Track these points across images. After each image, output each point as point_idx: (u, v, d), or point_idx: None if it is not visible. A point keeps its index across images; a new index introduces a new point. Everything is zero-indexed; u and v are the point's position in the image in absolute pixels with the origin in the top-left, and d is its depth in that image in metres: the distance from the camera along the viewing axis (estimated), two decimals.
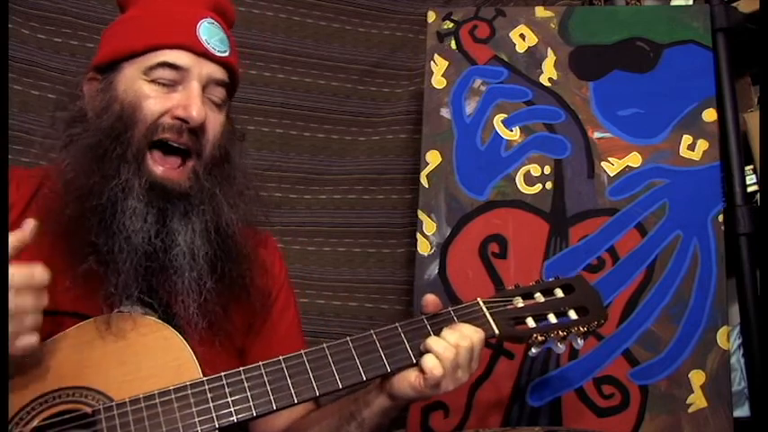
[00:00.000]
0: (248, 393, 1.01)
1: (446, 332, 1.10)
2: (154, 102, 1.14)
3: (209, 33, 1.19)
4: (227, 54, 1.20)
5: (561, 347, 1.19)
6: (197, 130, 1.15)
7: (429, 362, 1.06)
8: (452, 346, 1.07)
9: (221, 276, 1.15)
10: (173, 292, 1.12)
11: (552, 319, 1.18)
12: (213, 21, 1.20)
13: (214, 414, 0.99)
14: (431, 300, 1.14)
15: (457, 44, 1.84)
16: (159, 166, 1.13)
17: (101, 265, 1.08)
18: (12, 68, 1.77)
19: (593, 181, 1.69)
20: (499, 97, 1.78)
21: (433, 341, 1.08)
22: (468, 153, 1.76)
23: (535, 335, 1.16)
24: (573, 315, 1.19)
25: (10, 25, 1.78)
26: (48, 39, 1.86)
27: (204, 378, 1.02)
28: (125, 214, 1.09)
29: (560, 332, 1.17)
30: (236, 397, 1.01)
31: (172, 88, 1.15)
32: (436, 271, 1.70)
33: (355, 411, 1.13)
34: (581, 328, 1.18)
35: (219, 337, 1.17)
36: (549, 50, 1.79)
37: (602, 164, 1.69)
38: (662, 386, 1.54)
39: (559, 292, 1.22)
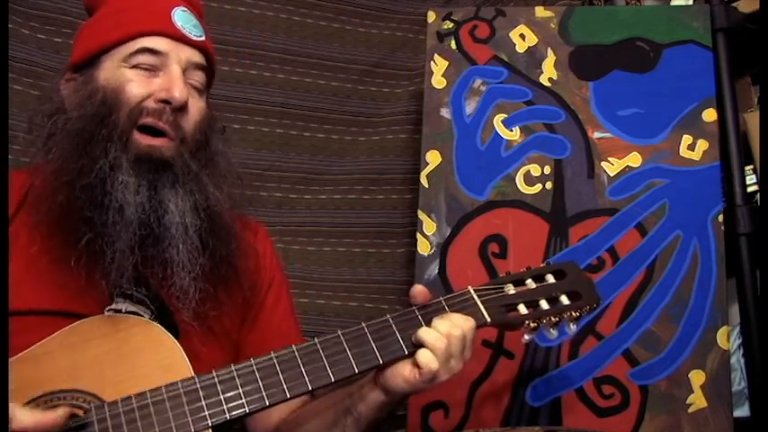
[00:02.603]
0: (240, 390, 1.01)
1: (436, 322, 1.09)
2: (136, 85, 1.15)
3: (184, 19, 1.21)
4: (202, 38, 1.23)
5: (554, 333, 1.18)
6: (179, 112, 1.16)
7: (424, 356, 1.05)
8: (444, 336, 1.06)
9: (212, 254, 1.16)
10: (168, 266, 1.12)
11: (544, 305, 1.17)
12: (185, 8, 1.23)
13: (207, 412, 0.98)
14: (419, 290, 1.14)
15: (457, 44, 1.84)
16: (144, 138, 1.14)
17: (97, 239, 1.08)
18: (12, 68, 1.78)
19: (593, 181, 1.69)
20: (499, 97, 1.78)
21: (424, 332, 1.07)
22: (468, 153, 1.76)
23: (527, 321, 1.15)
24: (565, 300, 1.18)
25: (10, 25, 1.78)
26: (48, 39, 1.86)
27: (196, 376, 1.02)
28: (115, 187, 1.10)
29: (553, 318, 1.16)
30: (229, 394, 1.00)
31: (153, 73, 1.17)
32: (436, 271, 1.70)
33: (351, 406, 1.13)
34: (573, 314, 1.18)
35: (212, 317, 1.17)
36: (549, 50, 1.79)
37: (602, 164, 1.69)
38: (662, 386, 1.54)
39: (551, 278, 1.21)
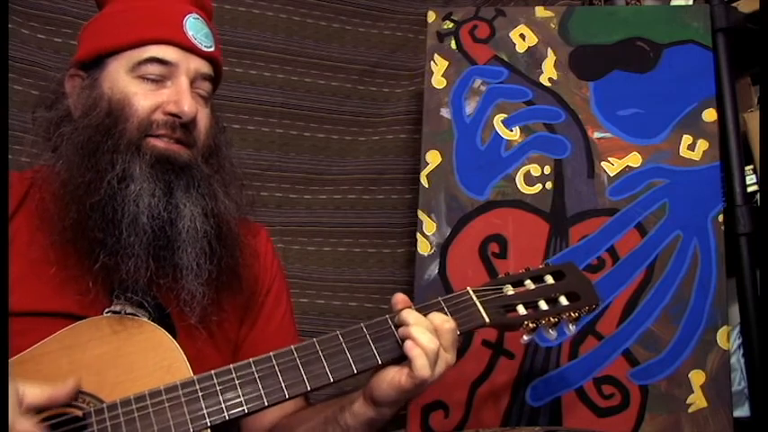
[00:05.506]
0: (239, 391, 1.01)
1: (426, 321, 1.06)
2: (143, 98, 1.14)
3: (196, 28, 1.19)
4: (212, 49, 1.21)
5: (553, 334, 1.18)
6: (189, 125, 1.15)
7: (418, 359, 1.02)
8: (435, 337, 1.04)
9: (218, 261, 1.16)
10: (177, 270, 1.12)
11: (543, 305, 1.17)
12: (198, 16, 1.21)
13: (206, 412, 0.98)
14: (401, 299, 1.13)
15: (457, 44, 1.83)
16: (160, 142, 1.14)
17: (111, 257, 1.08)
18: (12, 68, 1.78)
19: (593, 181, 1.68)
20: (499, 97, 1.78)
21: (418, 332, 1.04)
22: (468, 153, 1.76)
23: (526, 322, 1.15)
24: (564, 301, 1.18)
25: (10, 25, 1.78)
26: (48, 39, 1.86)
27: (195, 377, 1.01)
28: (126, 200, 1.09)
29: (551, 318, 1.16)
30: (228, 395, 1.00)
31: (160, 84, 1.16)
32: (436, 271, 1.70)
33: (339, 417, 1.12)
34: (572, 314, 1.17)
35: (214, 322, 1.17)
36: (549, 50, 1.79)
37: (602, 164, 1.69)
38: (662, 386, 1.54)
39: (550, 279, 1.21)
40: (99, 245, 1.09)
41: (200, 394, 1.00)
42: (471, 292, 1.16)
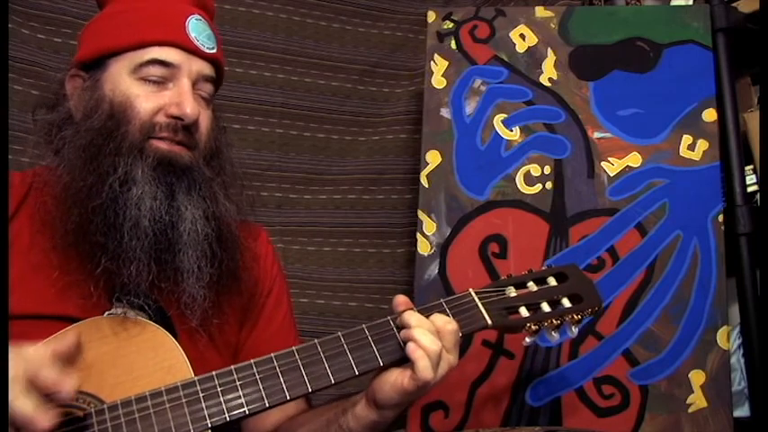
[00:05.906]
0: (240, 392, 1.01)
1: (426, 324, 1.06)
2: (145, 100, 1.14)
3: (198, 30, 1.19)
4: (214, 50, 1.21)
5: (555, 336, 1.18)
6: (191, 127, 1.15)
7: (421, 361, 1.02)
8: (437, 340, 1.04)
9: (219, 264, 1.16)
10: (179, 272, 1.11)
11: (546, 307, 1.17)
12: (200, 17, 1.21)
13: (206, 413, 0.98)
14: (402, 300, 1.12)
15: (457, 44, 1.83)
16: (163, 144, 1.14)
17: (113, 261, 1.08)
18: (12, 68, 1.78)
19: (593, 181, 1.69)
20: (499, 97, 1.78)
21: (420, 333, 1.04)
22: (468, 153, 1.75)
23: (528, 324, 1.15)
24: (566, 303, 1.18)
25: (10, 25, 1.78)
26: (48, 39, 1.86)
27: (196, 378, 1.01)
28: (128, 204, 1.09)
29: (554, 321, 1.16)
30: (229, 396, 1.00)
31: (162, 86, 1.15)
32: (436, 271, 1.70)
33: (342, 419, 1.12)
34: (575, 316, 1.18)
35: (215, 325, 1.17)
36: (549, 50, 1.79)
37: (602, 164, 1.69)
38: (662, 386, 1.54)
39: (552, 281, 1.21)
40: (100, 249, 1.08)
41: (201, 395, 0.99)
42: (473, 294, 1.15)
